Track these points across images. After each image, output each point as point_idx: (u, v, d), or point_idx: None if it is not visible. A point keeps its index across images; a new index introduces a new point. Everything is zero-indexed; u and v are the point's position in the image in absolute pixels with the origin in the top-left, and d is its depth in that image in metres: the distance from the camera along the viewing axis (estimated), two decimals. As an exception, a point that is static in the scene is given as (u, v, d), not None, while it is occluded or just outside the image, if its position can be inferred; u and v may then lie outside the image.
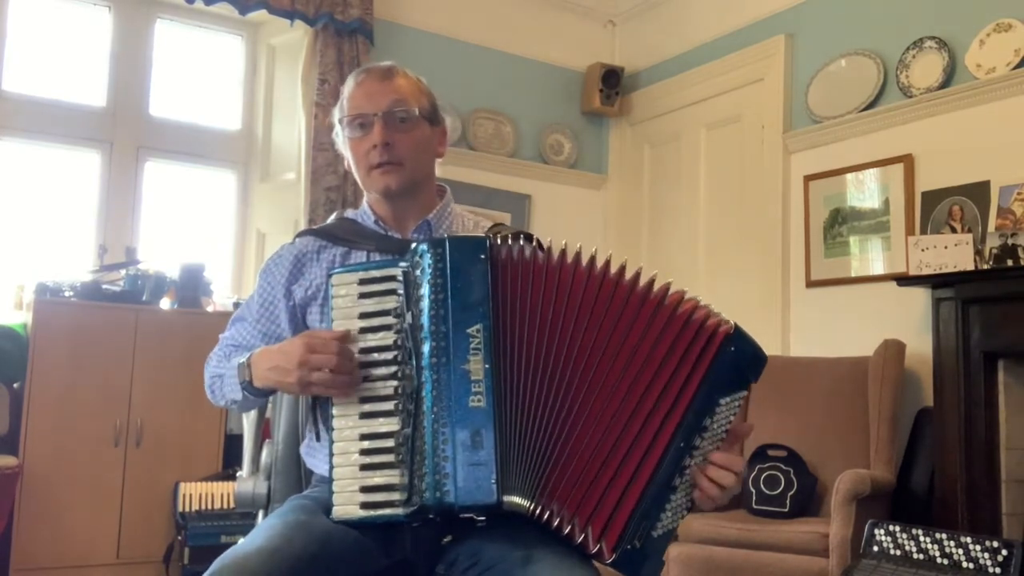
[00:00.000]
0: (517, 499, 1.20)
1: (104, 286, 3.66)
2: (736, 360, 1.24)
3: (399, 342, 1.27)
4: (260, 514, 1.66)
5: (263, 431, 1.72)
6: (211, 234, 4.40)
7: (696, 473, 1.25)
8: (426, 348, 1.24)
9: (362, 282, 1.30)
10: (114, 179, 4.12)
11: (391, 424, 1.25)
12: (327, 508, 1.29)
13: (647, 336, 1.24)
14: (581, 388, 1.24)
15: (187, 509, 3.50)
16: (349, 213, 1.65)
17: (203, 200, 4.41)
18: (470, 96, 4.51)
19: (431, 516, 1.22)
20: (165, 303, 3.78)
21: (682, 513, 1.26)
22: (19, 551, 3.29)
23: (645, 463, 1.21)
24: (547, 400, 1.24)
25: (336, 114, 1.59)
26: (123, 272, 3.76)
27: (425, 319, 1.25)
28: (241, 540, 1.56)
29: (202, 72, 4.46)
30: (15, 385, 3.43)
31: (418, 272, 1.27)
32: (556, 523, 1.20)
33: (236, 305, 3.88)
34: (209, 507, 3.53)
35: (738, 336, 1.24)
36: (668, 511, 1.23)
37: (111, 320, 3.54)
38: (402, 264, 1.29)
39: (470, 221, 1.63)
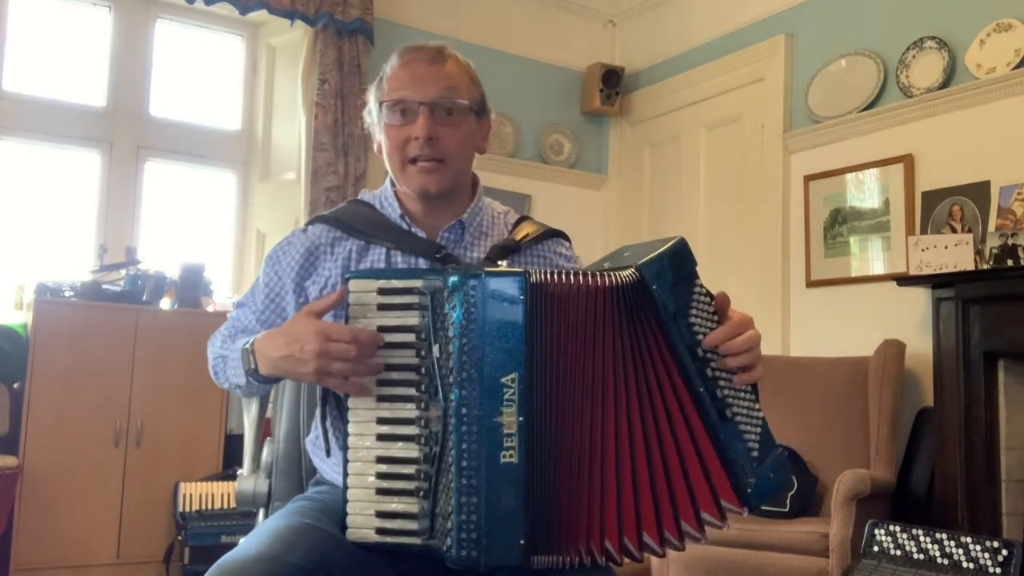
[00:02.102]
0: (545, 557, 1.17)
1: (104, 286, 3.66)
2: (663, 281, 1.19)
3: (423, 369, 1.19)
4: (261, 513, 1.65)
5: (264, 429, 1.72)
6: (211, 234, 4.40)
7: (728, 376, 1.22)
8: (455, 395, 1.16)
9: (382, 291, 1.22)
10: (114, 179, 4.12)
11: (410, 450, 1.20)
12: (330, 511, 1.27)
13: (619, 342, 1.20)
14: (598, 420, 1.19)
15: (187, 509, 3.50)
16: (366, 196, 1.53)
17: (203, 200, 4.41)
18: (470, 96, 4.50)
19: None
20: (165, 303, 3.78)
21: (755, 419, 1.23)
22: (19, 551, 3.28)
23: (698, 438, 1.19)
24: (586, 445, 1.18)
25: (373, 93, 1.45)
26: (123, 272, 3.76)
27: (455, 362, 1.16)
28: (242, 540, 1.56)
29: (202, 72, 4.46)
30: (15, 385, 3.43)
31: (448, 308, 1.17)
32: (618, 560, 1.18)
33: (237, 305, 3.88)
34: (209, 507, 3.53)
35: (645, 266, 1.18)
36: (745, 433, 1.21)
37: (111, 320, 3.54)
38: (428, 279, 1.20)
39: (500, 217, 1.54)
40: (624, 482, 1.18)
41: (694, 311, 1.21)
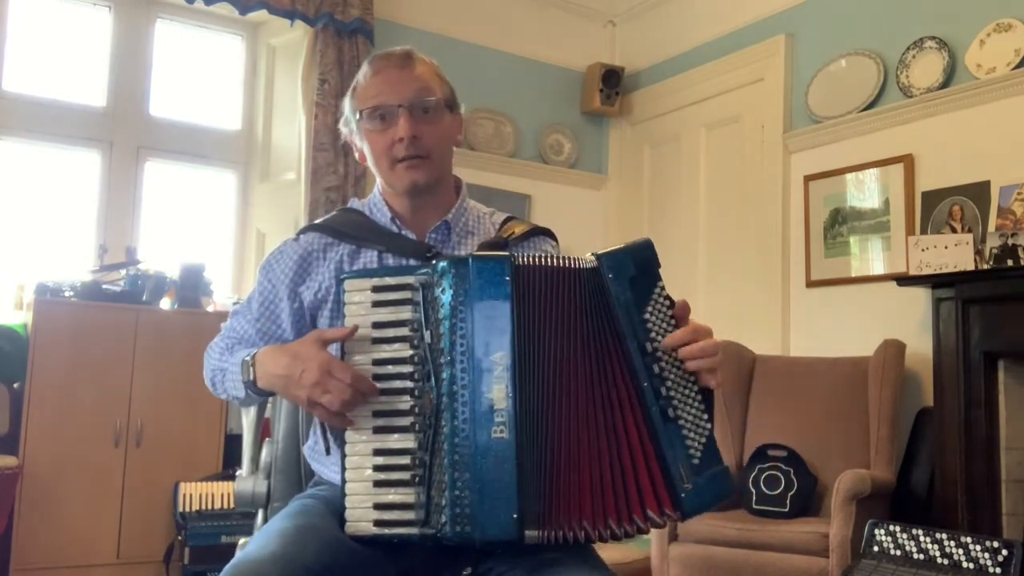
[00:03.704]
0: (536, 532, 1.18)
1: (104, 286, 3.66)
2: (620, 273, 1.22)
3: (416, 358, 1.23)
4: (260, 513, 1.65)
5: (263, 430, 1.72)
6: (211, 234, 4.40)
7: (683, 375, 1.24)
8: (446, 374, 1.19)
9: (376, 289, 1.26)
10: (114, 179, 4.12)
11: (406, 441, 1.22)
12: (333, 510, 1.28)
13: (574, 320, 1.24)
14: (571, 400, 1.22)
15: (187, 509, 3.50)
16: (356, 204, 1.57)
17: (203, 200, 4.41)
18: (470, 96, 4.43)
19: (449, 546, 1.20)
20: (165, 303, 3.78)
21: (701, 428, 1.23)
22: (19, 551, 3.28)
23: (640, 430, 1.21)
24: (563, 423, 1.21)
25: (348, 103, 1.51)
26: (123, 272, 3.76)
27: (446, 343, 1.20)
28: (243, 541, 1.56)
29: (202, 72, 4.46)
30: (15, 385, 3.43)
31: (438, 292, 1.22)
32: (593, 537, 1.19)
33: (236, 305, 3.89)
34: (209, 507, 3.53)
35: (605, 257, 1.23)
36: (687, 438, 1.21)
37: (111, 320, 3.54)
38: (420, 273, 1.24)
39: (486, 217, 1.58)
40: (593, 465, 1.20)
41: (650, 310, 1.24)
